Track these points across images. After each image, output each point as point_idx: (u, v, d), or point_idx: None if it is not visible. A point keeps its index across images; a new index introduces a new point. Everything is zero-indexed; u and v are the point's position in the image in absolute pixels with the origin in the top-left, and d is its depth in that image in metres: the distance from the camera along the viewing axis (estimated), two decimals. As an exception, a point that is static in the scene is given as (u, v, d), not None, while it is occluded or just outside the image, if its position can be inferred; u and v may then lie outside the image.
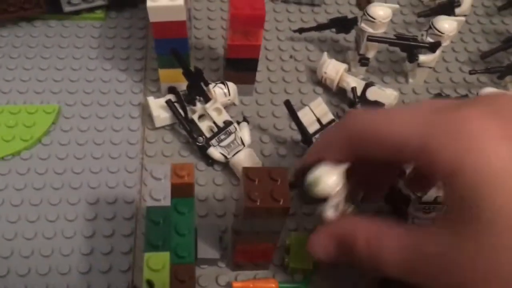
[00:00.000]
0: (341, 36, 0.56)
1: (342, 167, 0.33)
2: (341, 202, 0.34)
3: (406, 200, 0.43)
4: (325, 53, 0.52)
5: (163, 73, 0.48)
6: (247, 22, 0.43)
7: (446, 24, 0.49)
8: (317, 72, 0.52)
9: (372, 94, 0.49)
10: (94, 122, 0.48)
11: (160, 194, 0.33)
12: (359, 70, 0.53)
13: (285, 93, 0.52)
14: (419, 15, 0.58)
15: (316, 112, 0.47)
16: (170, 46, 0.45)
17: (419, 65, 0.52)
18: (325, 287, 0.41)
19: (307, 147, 0.47)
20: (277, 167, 0.35)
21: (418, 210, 0.43)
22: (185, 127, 0.46)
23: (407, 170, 0.40)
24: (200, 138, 0.45)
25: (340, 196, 0.34)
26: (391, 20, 0.50)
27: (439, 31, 0.49)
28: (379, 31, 0.49)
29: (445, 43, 0.49)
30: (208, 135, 0.46)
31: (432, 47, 0.49)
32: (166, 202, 0.33)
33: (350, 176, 0.34)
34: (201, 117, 0.46)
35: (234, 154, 0.45)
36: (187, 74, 0.45)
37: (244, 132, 0.46)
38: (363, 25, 0.49)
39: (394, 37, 0.51)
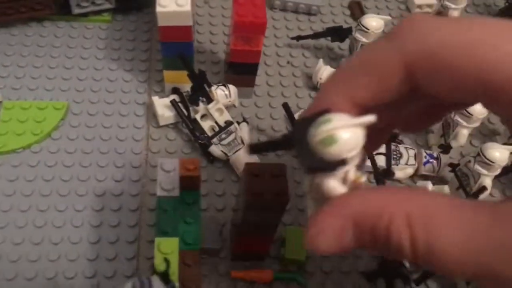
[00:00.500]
0: (336, 45, 0.59)
1: (367, 119, 0.23)
2: (352, 170, 0.24)
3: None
4: (321, 60, 0.55)
5: (167, 74, 0.51)
6: (249, 29, 0.46)
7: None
8: (313, 78, 0.55)
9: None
10: (101, 119, 0.50)
11: (169, 185, 0.36)
12: (352, 77, 0.56)
13: (283, 96, 0.55)
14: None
15: (311, 115, 0.50)
16: (176, 49, 0.47)
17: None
18: (319, 276, 0.44)
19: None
20: (277, 163, 0.38)
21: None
22: (188, 126, 0.49)
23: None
24: (202, 137, 0.48)
25: (355, 161, 0.24)
26: (383, 31, 0.53)
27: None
28: (372, 41, 0.52)
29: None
30: (209, 134, 0.48)
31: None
32: (175, 193, 0.36)
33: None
34: (203, 116, 0.49)
35: (234, 152, 0.48)
36: (192, 76, 0.48)
37: (244, 132, 0.49)
38: (357, 35, 0.53)
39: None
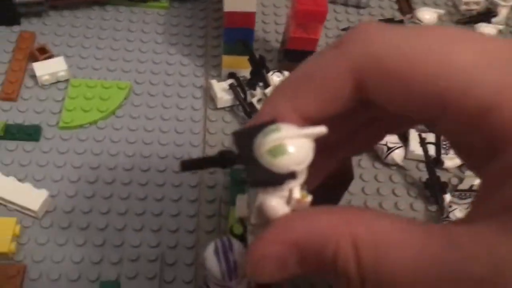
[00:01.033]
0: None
1: (318, 130, 0.21)
2: (297, 188, 0.22)
3: (443, 187, 0.47)
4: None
5: (226, 59, 0.53)
6: (310, 17, 0.48)
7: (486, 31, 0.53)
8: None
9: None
10: (161, 100, 0.53)
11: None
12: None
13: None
14: (458, 22, 0.62)
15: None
16: (238, 35, 0.49)
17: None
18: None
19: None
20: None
21: (454, 197, 0.47)
22: (245, 109, 0.51)
23: None
24: (259, 120, 0.50)
25: (302, 177, 0.22)
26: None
27: None
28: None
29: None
30: (266, 117, 0.50)
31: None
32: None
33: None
34: (259, 100, 0.51)
35: (289, 136, 0.50)
36: (253, 61, 0.50)
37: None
38: (410, 27, 0.54)
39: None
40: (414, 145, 0.50)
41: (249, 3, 0.47)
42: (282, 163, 0.21)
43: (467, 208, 0.46)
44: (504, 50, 0.20)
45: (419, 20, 0.52)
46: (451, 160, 0.50)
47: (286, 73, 0.53)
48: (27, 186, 0.44)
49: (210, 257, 0.26)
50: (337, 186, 0.39)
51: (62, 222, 0.43)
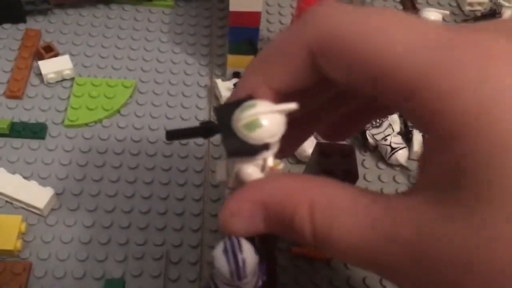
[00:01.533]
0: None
1: (289, 106, 0.24)
2: (270, 157, 0.25)
3: None
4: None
5: (231, 58, 0.53)
6: (315, 17, 0.48)
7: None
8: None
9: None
10: (166, 98, 0.53)
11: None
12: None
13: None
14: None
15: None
16: (243, 34, 0.50)
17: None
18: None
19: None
20: (346, 144, 0.40)
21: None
22: (249, 109, 0.51)
23: None
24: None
25: (275, 148, 0.25)
26: (440, 25, 0.55)
27: None
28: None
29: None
30: (270, 117, 0.51)
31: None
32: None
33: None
34: (264, 100, 0.51)
35: (294, 135, 0.50)
36: (257, 60, 0.50)
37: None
38: (414, 28, 0.54)
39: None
40: (418, 146, 0.50)
41: (255, 2, 0.47)
42: (257, 136, 0.24)
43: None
44: (439, 32, 0.21)
45: (424, 21, 0.52)
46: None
47: (291, 73, 0.53)
48: (32, 184, 0.44)
49: (219, 256, 0.26)
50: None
51: (67, 220, 0.44)
